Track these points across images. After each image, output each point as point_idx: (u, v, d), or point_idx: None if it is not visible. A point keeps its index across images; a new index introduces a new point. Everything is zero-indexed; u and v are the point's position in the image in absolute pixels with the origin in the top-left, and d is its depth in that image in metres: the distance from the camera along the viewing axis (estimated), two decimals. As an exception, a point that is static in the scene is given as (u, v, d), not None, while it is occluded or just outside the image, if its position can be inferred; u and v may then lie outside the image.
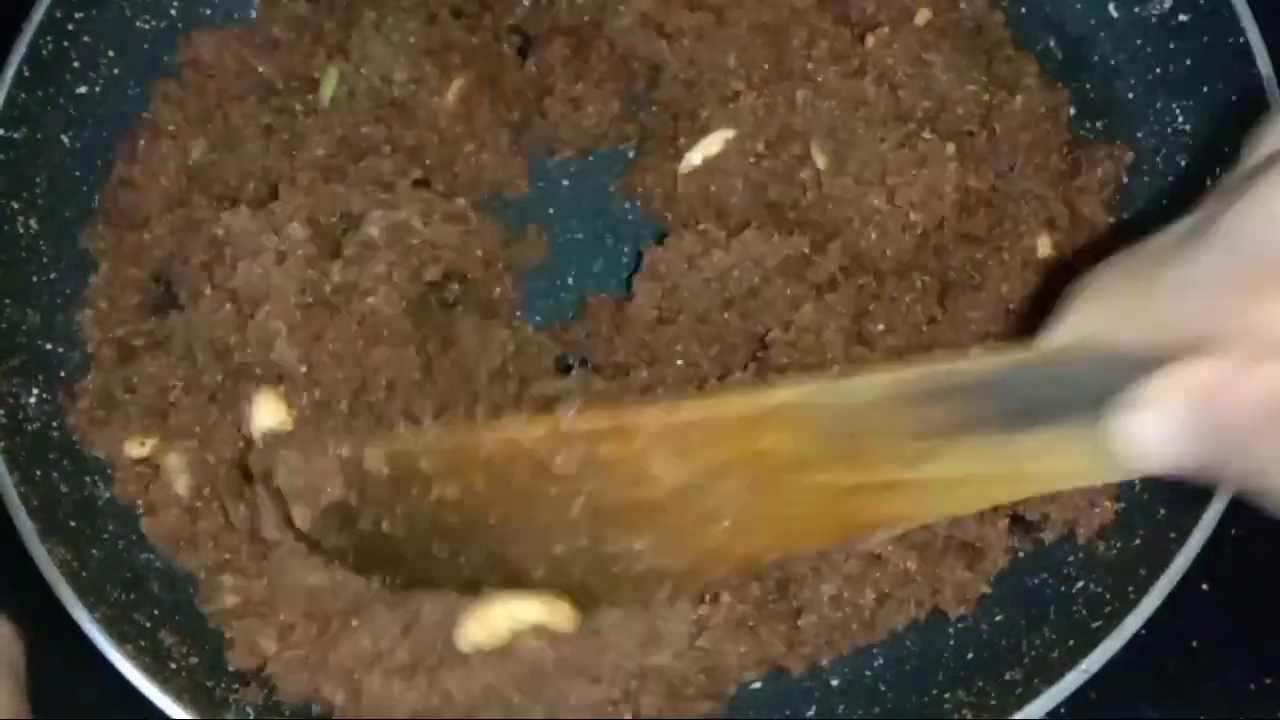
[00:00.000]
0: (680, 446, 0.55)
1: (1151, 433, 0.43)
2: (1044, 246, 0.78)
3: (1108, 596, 0.67)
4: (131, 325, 0.79)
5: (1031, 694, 0.65)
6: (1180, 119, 0.76)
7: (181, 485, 0.75)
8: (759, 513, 0.57)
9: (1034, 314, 0.75)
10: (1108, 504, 0.72)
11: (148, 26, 0.85)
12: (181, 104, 0.84)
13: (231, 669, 0.72)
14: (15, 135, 0.78)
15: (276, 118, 0.82)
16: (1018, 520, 0.73)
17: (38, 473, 0.73)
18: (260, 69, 0.84)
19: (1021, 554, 0.74)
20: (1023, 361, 0.47)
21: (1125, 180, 0.80)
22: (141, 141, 0.83)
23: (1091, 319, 0.45)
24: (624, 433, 0.56)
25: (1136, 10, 0.77)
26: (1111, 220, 0.80)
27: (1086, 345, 0.45)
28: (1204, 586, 0.79)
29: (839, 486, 0.54)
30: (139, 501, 0.76)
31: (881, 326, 0.74)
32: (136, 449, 0.76)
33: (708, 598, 0.70)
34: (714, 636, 0.70)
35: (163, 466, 0.75)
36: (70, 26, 0.80)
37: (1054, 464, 0.48)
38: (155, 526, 0.75)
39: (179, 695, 0.67)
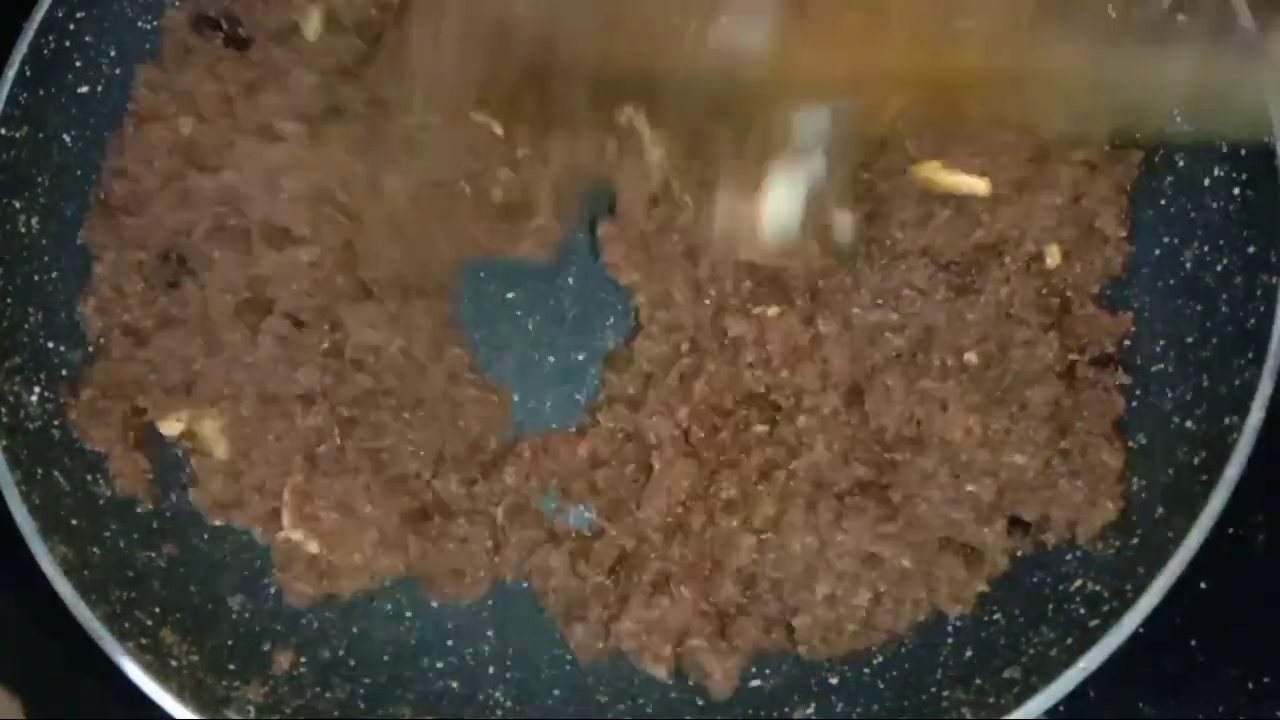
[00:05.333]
0: None
1: None
2: (1052, 256, 0.77)
3: (1106, 595, 0.68)
4: (139, 309, 0.79)
5: (1030, 692, 0.65)
6: (1180, 119, 0.76)
7: (221, 450, 0.77)
8: None
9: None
10: (1109, 504, 0.72)
11: (149, 26, 0.85)
12: (166, 85, 0.83)
13: (287, 605, 0.75)
14: (17, 134, 0.78)
15: (260, 72, 0.82)
16: (1016, 522, 0.73)
17: (39, 471, 0.73)
18: (241, 31, 0.84)
19: (1020, 552, 0.74)
20: None
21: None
22: (130, 130, 0.82)
23: None
24: None
25: (1136, 11, 0.77)
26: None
27: None
28: (1202, 585, 0.79)
29: None
30: (150, 490, 0.77)
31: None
32: (172, 427, 0.77)
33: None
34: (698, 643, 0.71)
35: (199, 437, 0.77)
36: (71, 26, 0.80)
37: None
38: (203, 496, 0.77)
39: (180, 693, 0.68)
